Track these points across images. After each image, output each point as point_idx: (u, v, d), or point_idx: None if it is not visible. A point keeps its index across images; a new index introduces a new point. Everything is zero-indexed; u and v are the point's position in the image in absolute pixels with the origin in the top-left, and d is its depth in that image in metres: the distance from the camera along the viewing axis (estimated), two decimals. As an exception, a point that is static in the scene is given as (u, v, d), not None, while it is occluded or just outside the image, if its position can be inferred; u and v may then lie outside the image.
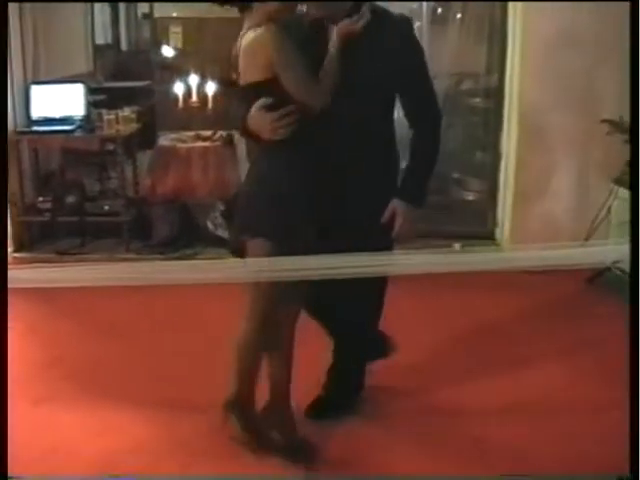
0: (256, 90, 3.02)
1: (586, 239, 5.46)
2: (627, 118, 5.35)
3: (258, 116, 3.01)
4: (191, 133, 6.12)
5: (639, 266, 2.36)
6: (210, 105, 6.04)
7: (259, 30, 2.95)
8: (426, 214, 6.00)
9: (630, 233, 2.43)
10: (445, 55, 6.64)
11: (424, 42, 7.30)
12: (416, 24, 7.50)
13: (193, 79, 6.27)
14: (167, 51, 8.03)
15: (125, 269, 2.82)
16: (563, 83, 5.57)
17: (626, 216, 5.36)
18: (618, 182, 5.56)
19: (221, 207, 5.69)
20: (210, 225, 5.75)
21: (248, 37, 2.98)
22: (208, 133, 6.07)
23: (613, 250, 4.86)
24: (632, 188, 2.35)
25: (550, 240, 4.51)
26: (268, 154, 3.11)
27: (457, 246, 5.76)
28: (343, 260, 2.55)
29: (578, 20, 5.49)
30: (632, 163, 2.39)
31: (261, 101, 3.00)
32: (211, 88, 6.06)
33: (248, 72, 3.02)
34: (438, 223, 5.82)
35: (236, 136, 5.93)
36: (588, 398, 3.88)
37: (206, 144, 5.97)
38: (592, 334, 4.68)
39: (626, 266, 5.21)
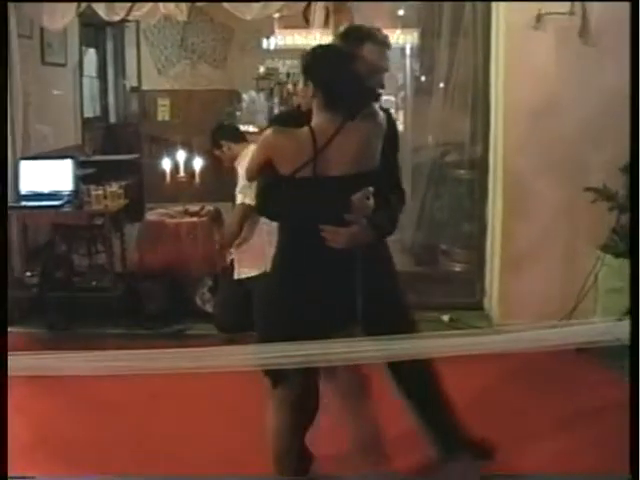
0: (366, 179, 3.05)
1: (574, 308, 5.48)
2: (610, 185, 5.44)
3: (366, 203, 3.06)
4: (179, 208, 6.14)
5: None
6: (197, 178, 6.07)
7: (371, 118, 3.08)
8: (414, 285, 6.09)
9: (630, 275, 2.41)
10: (430, 126, 6.73)
11: (408, 114, 7.44)
12: (400, 94, 7.65)
13: (181, 152, 6.30)
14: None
15: (114, 358, 2.80)
16: (546, 151, 5.63)
17: (613, 283, 5.43)
18: (604, 249, 5.60)
19: (209, 282, 5.70)
20: (198, 300, 5.75)
21: (365, 125, 3.06)
22: (196, 208, 6.11)
23: (608, 328, 4.88)
24: (632, 214, 2.34)
25: (538, 309, 4.56)
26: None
27: (446, 317, 5.78)
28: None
29: (560, 87, 5.58)
30: (632, 183, 2.38)
31: (369, 189, 3.04)
32: (199, 161, 6.09)
33: (357, 162, 3.04)
34: (426, 294, 5.81)
35: (223, 210, 5.99)
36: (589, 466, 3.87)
37: (194, 219, 6.00)
38: (586, 403, 4.66)
39: (616, 332, 5.23)
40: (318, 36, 5.99)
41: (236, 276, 5.32)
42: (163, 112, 9.16)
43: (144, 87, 9.49)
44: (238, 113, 8.63)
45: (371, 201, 3.06)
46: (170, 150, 6.53)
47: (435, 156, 6.76)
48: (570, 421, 4.43)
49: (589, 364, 5.20)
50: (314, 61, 3.11)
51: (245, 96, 8.67)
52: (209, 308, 5.67)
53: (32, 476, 3.06)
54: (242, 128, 6.64)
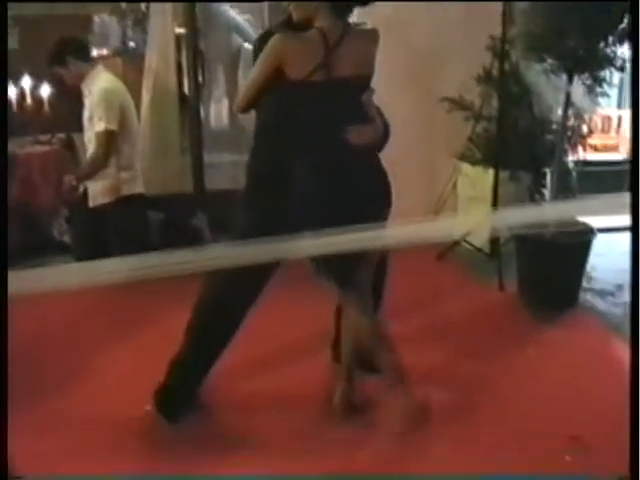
0: (363, 85, 3.14)
1: (435, 214, 5.59)
2: (467, 96, 5.51)
3: (374, 103, 3.18)
4: (29, 138, 5.88)
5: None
6: (46, 108, 5.82)
7: (368, 27, 3.24)
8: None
9: (631, 242, 2.39)
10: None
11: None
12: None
13: (29, 82, 6.02)
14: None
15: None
16: (401, 67, 5.63)
17: (470, 191, 5.55)
18: (461, 158, 5.70)
19: (65, 213, 5.51)
20: (55, 232, 5.57)
21: (366, 32, 3.19)
22: (46, 137, 5.86)
23: (463, 223, 4.99)
24: (632, 194, 2.32)
25: (401, 217, 4.60)
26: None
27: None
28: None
29: (409, 3, 5.56)
30: (633, 178, 2.36)
31: (373, 89, 3.16)
32: (46, 90, 5.83)
33: (362, 65, 3.11)
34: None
35: (76, 139, 5.78)
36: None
37: (45, 148, 5.77)
38: (447, 309, 4.77)
39: (474, 240, 5.36)
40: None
41: (91, 204, 5.18)
42: (9, 40, 8.71)
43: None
44: (90, 37, 8.30)
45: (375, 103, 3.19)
46: (18, 80, 6.21)
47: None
48: (429, 323, 4.53)
49: (448, 270, 5.35)
50: None
51: (96, 19, 8.33)
52: (67, 239, 5.50)
53: (32, 476, 2.89)
54: (95, 52, 6.41)
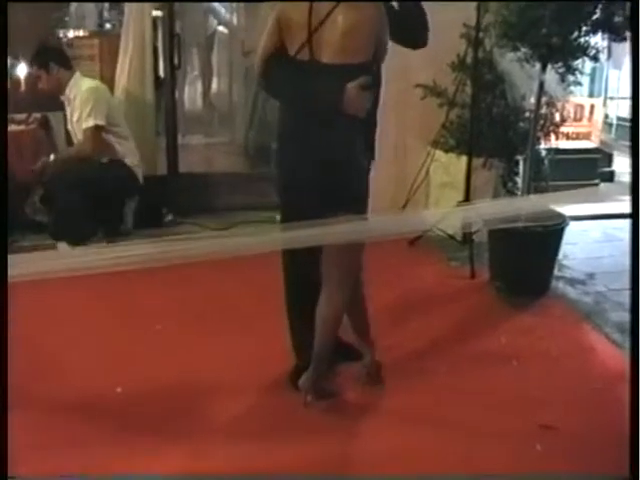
0: (357, 69, 2.98)
1: (407, 200, 5.62)
2: (439, 82, 5.52)
3: (358, 94, 2.97)
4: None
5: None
6: (23, 87, 5.83)
7: (366, 8, 2.98)
8: (250, 186, 6.05)
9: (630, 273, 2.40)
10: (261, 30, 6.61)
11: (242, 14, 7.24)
12: None
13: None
14: None
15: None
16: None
17: (443, 178, 5.57)
18: (434, 145, 5.72)
19: (40, 191, 5.49)
20: (28, 210, 5.53)
21: (356, 15, 2.96)
22: (22, 116, 5.85)
23: (435, 215, 5.00)
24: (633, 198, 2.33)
25: (374, 203, 4.65)
26: (352, 129, 3.08)
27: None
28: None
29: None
30: (633, 174, 2.37)
31: (362, 79, 2.96)
32: (23, 70, 5.84)
33: (353, 51, 2.99)
34: (262, 195, 5.71)
35: (52, 118, 5.77)
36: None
37: (21, 127, 5.76)
38: (418, 292, 4.78)
39: (445, 226, 5.36)
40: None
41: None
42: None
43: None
44: (67, 19, 8.24)
45: (368, 94, 3.03)
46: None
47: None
48: (399, 310, 4.50)
49: (419, 257, 5.34)
50: None
51: (73, 0, 8.26)
52: (40, 218, 5.48)
53: (32, 476, 2.87)
54: (71, 34, 6.41)
